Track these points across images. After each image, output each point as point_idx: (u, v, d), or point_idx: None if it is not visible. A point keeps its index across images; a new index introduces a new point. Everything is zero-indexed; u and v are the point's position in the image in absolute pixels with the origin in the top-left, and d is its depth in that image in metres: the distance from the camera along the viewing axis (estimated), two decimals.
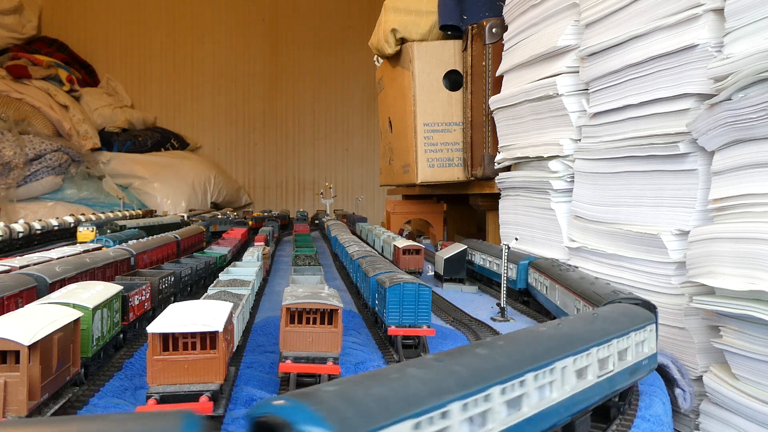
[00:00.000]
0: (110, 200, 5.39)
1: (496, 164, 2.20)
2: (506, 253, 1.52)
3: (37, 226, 2.75)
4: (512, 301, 1.70)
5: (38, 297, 1.17)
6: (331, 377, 0.95)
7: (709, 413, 1.11)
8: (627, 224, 1.43)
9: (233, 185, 6.69)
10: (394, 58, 2.74)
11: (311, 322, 0.95)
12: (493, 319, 1.50)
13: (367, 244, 2.42)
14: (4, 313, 0.96)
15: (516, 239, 2.02)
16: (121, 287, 1.16)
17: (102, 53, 6.81)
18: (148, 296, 1.33)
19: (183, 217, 3.77)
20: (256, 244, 2.25)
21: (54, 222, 2.94)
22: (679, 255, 1.24)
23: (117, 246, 1.88)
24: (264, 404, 0.46)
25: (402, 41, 2.61)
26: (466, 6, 2.48)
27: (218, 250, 2.17)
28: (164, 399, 0.77)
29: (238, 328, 1.08)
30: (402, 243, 2.09)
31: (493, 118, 2.23)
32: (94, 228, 2.60)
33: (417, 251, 2.03)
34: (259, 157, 7.12)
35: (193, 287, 1.74)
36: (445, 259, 1.96)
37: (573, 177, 1.71)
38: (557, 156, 1.76)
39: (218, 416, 0.83)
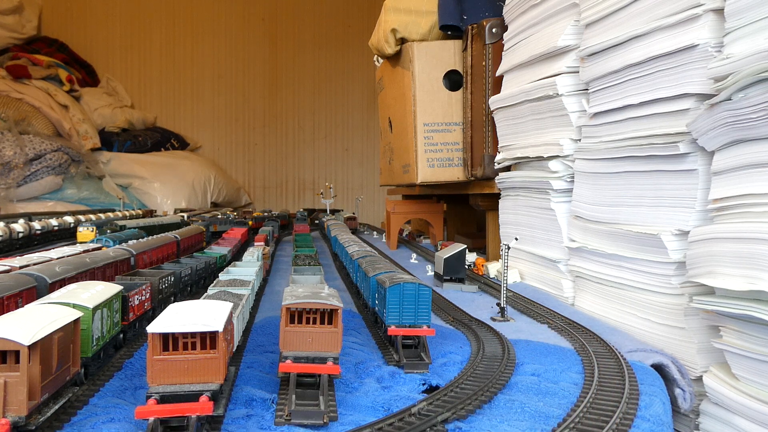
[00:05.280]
0: (110, 200, 5.40)
1: (496, 164, 2.20)
2: (506, 253, 1.52)
3: (37, 226, 2.75)
4: (512, 300, 1.70)
5: (38, 297, 1.17)
6: (331, 377, 0.95)
7: (709, 413, 1.11)
8: (627, 224, 1.43)
9: (233, 185, 6.69)
10: (394, 58, 2.74)
11: (311, 322, 0.95)
12: (493, 319, 1.50)
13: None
14: (4, 313, 0.96)
15: (516, 239, 2.02)
16: (121, 287, 1.17)
17: (102, 53, 6.81)
18: (148, 296, 1.33)
19: (183, 217, 3.77)
20: (256, 244, 2.25)
21: (54, 222, 2.94)
22: (679, 255, 1.24)
23: (117, 246, 1.88)
24: None
25: (402, 41, 2.61)
26: (466, 6, 2.47)
27: (218, 250, 2.17)
28: (164, 399, 0.77)
29: (238, 328, 1.08)
30: (347, 215, 4.11)
31: (493, 118, 2.23)
32: (94, 228, 2.59)
33: (354, 219, 4.04)
34: (259, 157, 7.12)
35: (193, 287, 1.74)
36: (445, 259, 1.96)
37: (573, 177, 1.71)
38: (557, 156, 1.76)
39: (218, 416, 0.83)
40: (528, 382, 1.04)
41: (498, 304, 1.56)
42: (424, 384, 1.03)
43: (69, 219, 3.11)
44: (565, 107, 1.71)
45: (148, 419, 0.75)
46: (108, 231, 2.54)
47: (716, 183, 1.14)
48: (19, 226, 2.58)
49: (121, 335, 1.19)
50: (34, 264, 1.44)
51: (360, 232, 4.15)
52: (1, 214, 3.33)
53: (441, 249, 2.23)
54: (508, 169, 2.14)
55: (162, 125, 6.82)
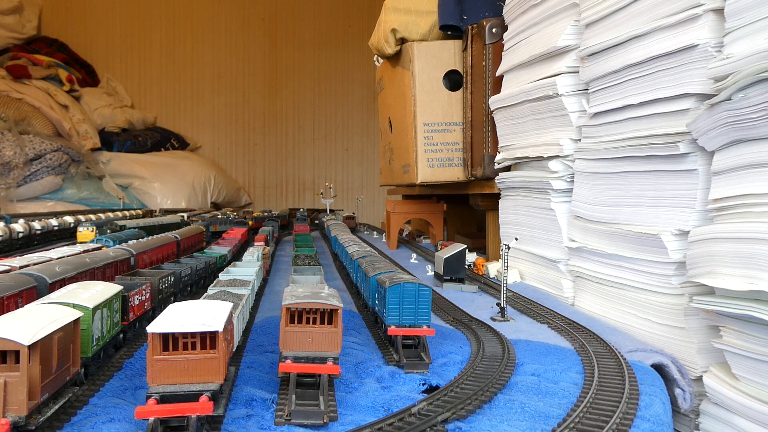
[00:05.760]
0: (110, 200, 5.40)
1: (496, 164, 2.20)
2: (506, 253, 1.52)
3: (37, 226, 2.75)
4: (512, 300, 1.70)
5: (38, 297, 1.17)
6: (331, 377, 0.95)
7: (709, 413, 1.11)
8: (627, 224, 1.43)
9: (233, 185, 6.69)
10: (394, 58, 2.74)
11: (311, 322, 0.95)
12: (493, 319, 1.50)
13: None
14: (4, 313, 0.96)
15: (516, 239, 2.02)
16: (121, 287, 1.17)
17: (102, 53, 6.81)
18: (148, 296, 1.33)
19: (183, 216, 3.77)
20: (256, 244, 2.25)
21: (54, 222, 2.94)
22: (679, 255, 1.24)
23: (117, 246, 1.88)
24: None
25: (402, 41, 2.61)
26: (466, 6, 2.47)
27: (218, 250, 2.17)
28: (164, 399, 0.77)
29: (238, 328, 1.08)
30: (345, 214, 4.27)
31: (493, 118, 2.23)
32: (94, 228, 2.59)
33: (352, 218, 4.20)
34: (259, 157, 7.12)
35: (193, 287, 1.74)
36: (445, 259, 1.96)
37: (573, 177, 1.71)
38: (557, 156, 1.76)
39: (218, 416, 0.83)
40: (528, 382, 1.04)
41: (498, 304, 1.56)
42: (424, 384, 1.03)
43: (69, 219, 3.11)
44: (565, 107, 1.71)
45: (148, 419, 0.75)
46: (108, 231, 2.54)
47: (716, 183, 1.14)
48: (19, 226, 2.58)
49: (121, 335, 1.19)
50: (34, 264, 1.44)
51: (359, 231, 4.18)
52: (1, 215, 3.33)
53: (441, 249, 2.23)
54: (508, 169, 2.14)
55: (162, 125, 6.82)
